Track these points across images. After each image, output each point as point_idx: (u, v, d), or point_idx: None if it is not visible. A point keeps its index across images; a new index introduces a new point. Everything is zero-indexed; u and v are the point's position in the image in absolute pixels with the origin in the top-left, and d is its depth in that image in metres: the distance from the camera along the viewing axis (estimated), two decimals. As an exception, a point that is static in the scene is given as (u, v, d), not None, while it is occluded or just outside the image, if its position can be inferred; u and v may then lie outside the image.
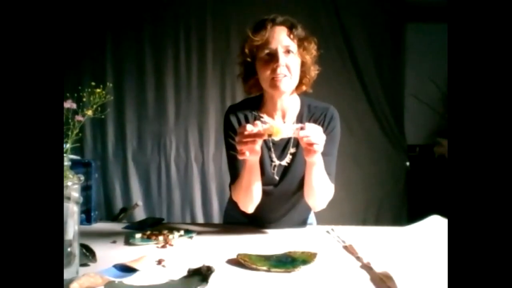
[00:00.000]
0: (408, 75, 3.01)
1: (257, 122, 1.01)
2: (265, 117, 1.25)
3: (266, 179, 1.20)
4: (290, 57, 1.15)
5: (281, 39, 1.14)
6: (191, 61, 2.86)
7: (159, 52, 2.85)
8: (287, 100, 1.23)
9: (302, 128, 1.01)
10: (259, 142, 1.02)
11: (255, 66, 1.19)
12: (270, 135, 0.96)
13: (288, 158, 1.22)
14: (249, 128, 1.00)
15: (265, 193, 1.23)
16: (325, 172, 1.15)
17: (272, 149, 1.23)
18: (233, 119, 1.24)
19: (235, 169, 1.21)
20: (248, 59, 1.19)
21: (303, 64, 1.19)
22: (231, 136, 1.23)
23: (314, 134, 1.01)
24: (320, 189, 1.16)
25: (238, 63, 1.24)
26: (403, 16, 2.91)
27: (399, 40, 2.93)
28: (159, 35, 2.84)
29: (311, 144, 1.01)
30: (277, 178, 1.21)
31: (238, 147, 1.03)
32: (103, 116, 0.91)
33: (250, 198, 1.18)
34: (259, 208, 1.29)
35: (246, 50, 1.18)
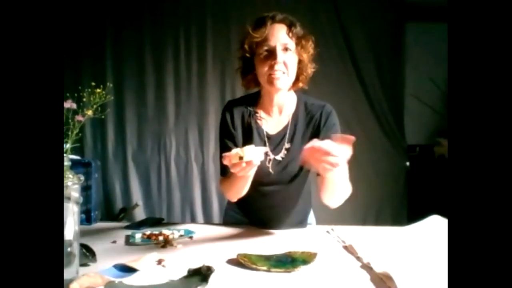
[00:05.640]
0: (408, 75, 3.00)
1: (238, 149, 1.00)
2: (261, 113, 1.26)
3: (261, 173, 1.21)
4: (288, 54, 1.16)
5: (280, 36, 1.16)
6: (191, 61, 2.86)
7: (159, 52, 2.85)
8: (283, 96, 1.24)
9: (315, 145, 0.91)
10: (251, 169, 1.00)
11: (254, 61, 1.20)
12: (241, 158, 0.97)
13: (283, 153, 1.23)
14: (226, 154, 0.99)
15: (264, 192, 1.23)
16: (346, 174, 1.07)
17: (267, 144, 1.23)
18: (228, 115, 1.27)
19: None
20: (247, 55, 1.21)
21: (300, 62, 1.20)
22: (223, 131, 1.27)
23: (334, 150, 0.90)
24: (340, 192, 1.13)
25: (238, 58, 1.26)
26: (403, 16, 2.91)
27: (399, 40, 2.93)
28: (159, 35, 2.84)
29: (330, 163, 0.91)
30: (272, 172, 1.22)
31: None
32: (103, 116, 0.91)
33: (239, 194, 1.20)
34: (258, 208, 1.29)
35: (246, 46, 1.20)
